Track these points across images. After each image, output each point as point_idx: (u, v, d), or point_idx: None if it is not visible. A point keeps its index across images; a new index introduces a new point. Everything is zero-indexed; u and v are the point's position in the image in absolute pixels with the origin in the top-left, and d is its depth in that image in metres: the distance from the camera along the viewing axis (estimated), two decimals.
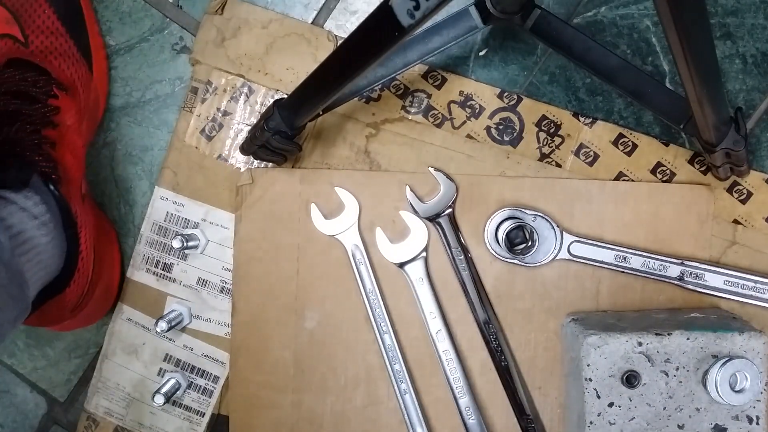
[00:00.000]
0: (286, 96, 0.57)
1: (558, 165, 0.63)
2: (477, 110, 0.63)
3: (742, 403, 0.52)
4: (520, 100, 0.63)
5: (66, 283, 0.58)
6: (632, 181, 0.62)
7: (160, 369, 0.67)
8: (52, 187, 0.55)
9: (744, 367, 0.52)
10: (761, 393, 0.53)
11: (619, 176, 0.63)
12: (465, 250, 0.62)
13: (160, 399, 0.62)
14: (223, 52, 0.65)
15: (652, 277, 0.60)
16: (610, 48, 0.60)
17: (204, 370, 0.66)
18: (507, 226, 0.60)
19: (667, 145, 0.62)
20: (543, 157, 0.63)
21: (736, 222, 0.62)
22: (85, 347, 0.69)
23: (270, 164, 0.64)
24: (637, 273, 0.60)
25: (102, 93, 0.66)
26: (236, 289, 0.64)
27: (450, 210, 0.62)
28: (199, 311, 0.66)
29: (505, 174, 0.63)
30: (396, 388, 0.62)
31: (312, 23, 0.65)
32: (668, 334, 0.53)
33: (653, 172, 0.62)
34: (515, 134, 0.63)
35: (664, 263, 0.60)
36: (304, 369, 0.63)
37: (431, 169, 0.62)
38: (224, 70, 0.65)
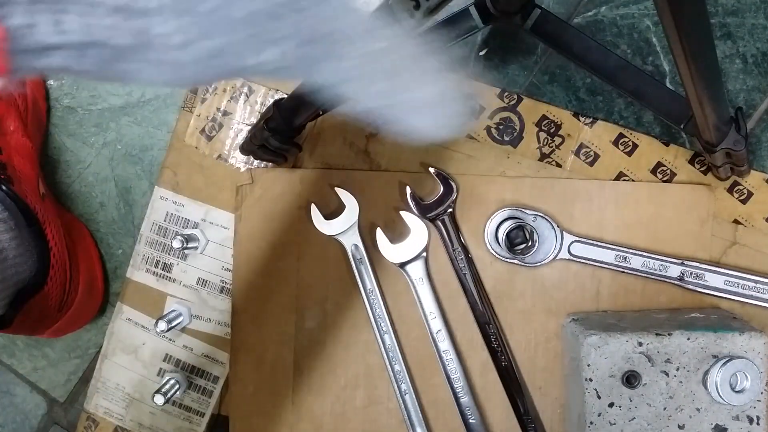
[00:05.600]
0: (286, 96, 0.57)
1: (558, 165, 0.63)
2: (477, 110, 0.63)
3: (742, 404, 0.52)
4: (520, 100, 0.63)
5: (43, 280, 0.59)
6: (632, 181, 0.62)
7: (160, 369, 0.67)
8: (4, 187, 0.58)
9: (744, 368, 0.52)
10: (761, 393, 0.53)
11: (620, 176, 0.62)
12: (465, 250, 0.62)
13: (160, 399, 0.62)
14: None
15: (653, 277, 0.60)
16: (610, 48, 0.60)
17: (204, 370, 0.66)
18: (507, 226, 0.60)
19: (667, 145, 0.62)
20: (543, 157, 0.63)
21: (736, 222, 0.62)
22: (84, 347, 0.69)
23: (270, 164, 0.64)
24: (638, 273, 0.60)
25: (39, 95, 0.67)
26: (236, 288, 0.64)
27: (450, 210, 0.62)
28: (199, 311, 0.66)
29: (505, 174, 0.63)
30: (396, 388, 0.62)
31: None
32: (668, 335, 0.53)
33: (653, 172, 0.62)
34: (515, 134, 0.63)
35: (664, 263, 0.60)
36: (304, 369, 0.63)
37: (431, 169, 0.62)
38: None
